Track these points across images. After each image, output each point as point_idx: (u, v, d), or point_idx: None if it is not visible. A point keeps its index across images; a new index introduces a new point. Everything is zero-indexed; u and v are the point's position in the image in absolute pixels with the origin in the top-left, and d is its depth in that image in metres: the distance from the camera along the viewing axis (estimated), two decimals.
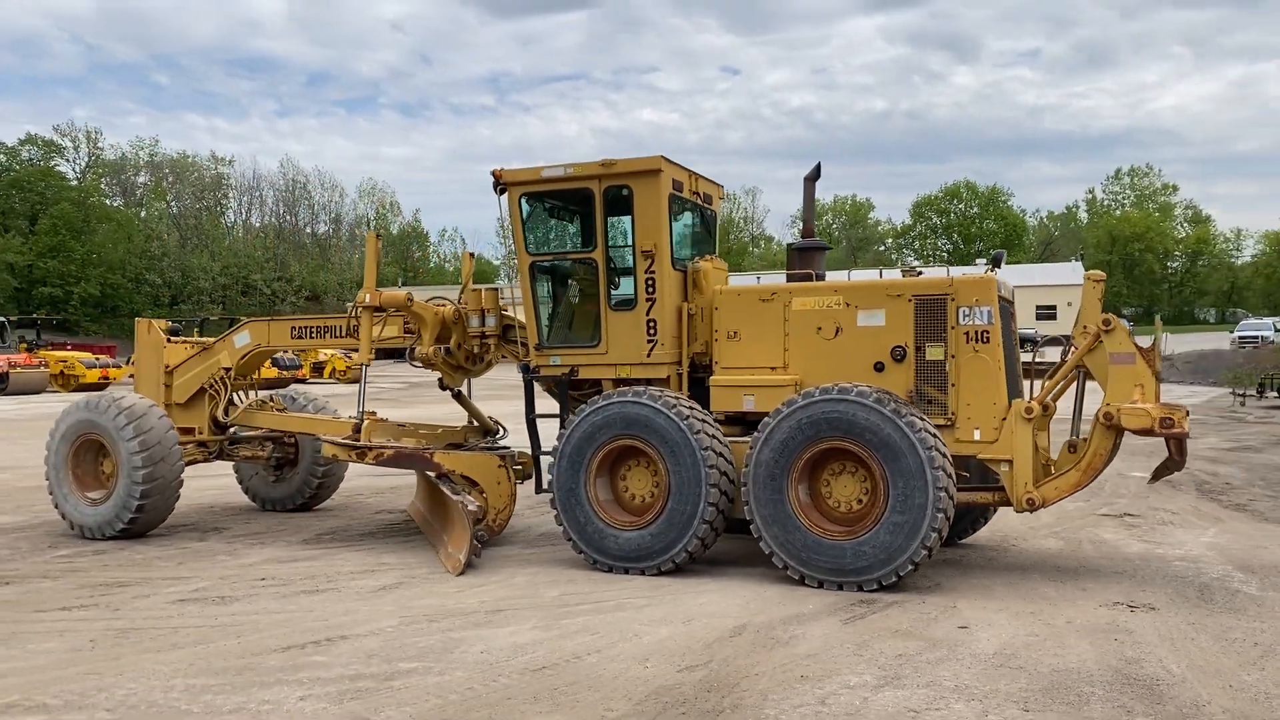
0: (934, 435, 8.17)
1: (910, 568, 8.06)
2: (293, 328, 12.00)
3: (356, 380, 51.50)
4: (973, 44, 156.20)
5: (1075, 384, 8.90)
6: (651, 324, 9.66)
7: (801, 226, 10.52)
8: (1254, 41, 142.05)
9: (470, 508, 9.37)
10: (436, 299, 11.14)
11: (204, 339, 12.38)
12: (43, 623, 7.48)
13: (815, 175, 10.45)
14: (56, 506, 11.24)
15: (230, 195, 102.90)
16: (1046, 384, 8.88)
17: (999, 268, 9.29)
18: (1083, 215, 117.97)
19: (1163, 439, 8.41)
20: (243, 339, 12.06)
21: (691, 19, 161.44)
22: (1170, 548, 9.96)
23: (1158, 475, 8.89)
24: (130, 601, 8.11)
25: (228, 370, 11.98)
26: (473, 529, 9.19)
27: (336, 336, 11.70)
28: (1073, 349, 8.86)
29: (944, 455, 8.13)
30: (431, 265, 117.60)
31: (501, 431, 11.79)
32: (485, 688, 5.92)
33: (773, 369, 9.33)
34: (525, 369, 10.40)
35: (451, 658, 6.51)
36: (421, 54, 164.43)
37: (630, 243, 9.74)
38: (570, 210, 10.57)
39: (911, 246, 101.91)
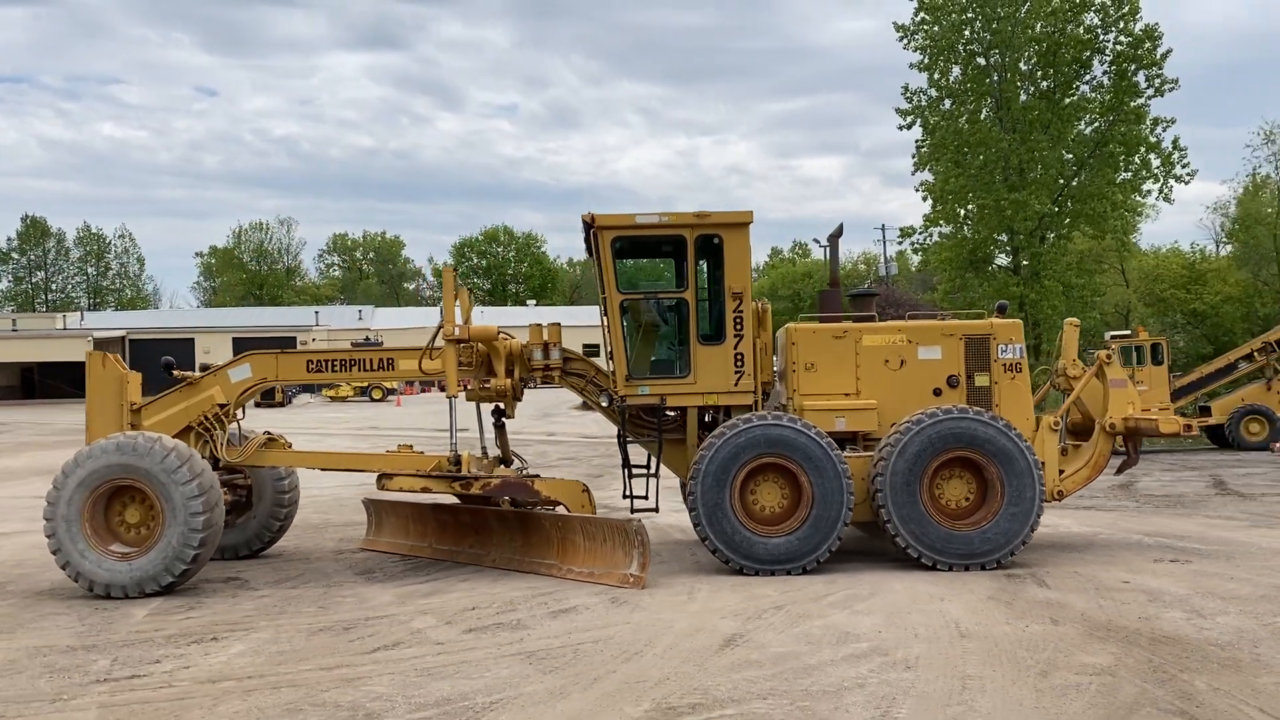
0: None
1: (1021, 547, 10.28)
2: (309, 361, 11.40)
3: None
4: (457, 93, 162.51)
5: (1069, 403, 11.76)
6: (739, 357, 10.97)
7: (829, 276, 12.38)
8: (692, 118, 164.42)
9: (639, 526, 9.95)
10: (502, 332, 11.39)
11: (189, 373, 11.23)
12: (427, 658, 7.34)
13: (838, 234, 12.40)
14: (65, 565, 9.72)
15: None
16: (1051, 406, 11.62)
17: (1005, 314, 11.86)
18: None
19: (1116, 442, 11.52)
20: (241, 373, 11.22)
21: (160, 31, 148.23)
22: (1079, 529, 12.87)
23: (1121, 470, 12.03)
24: (419, 637, 7.91)
25: (223, 406, 11.07)
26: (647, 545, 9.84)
27: (366, 370, 11.37)
28: (1065, 378, 11.73)
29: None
30: None
31: (518, 463, 12.16)
32: (984, 659, 6.96)
33: (846, 395, 11.09)
34: (611, 398, 11.11)
35: (879, 640, 7.54)
36: None
37: (719, 283, 11.00)
38: (654, 252, 11.51)
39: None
